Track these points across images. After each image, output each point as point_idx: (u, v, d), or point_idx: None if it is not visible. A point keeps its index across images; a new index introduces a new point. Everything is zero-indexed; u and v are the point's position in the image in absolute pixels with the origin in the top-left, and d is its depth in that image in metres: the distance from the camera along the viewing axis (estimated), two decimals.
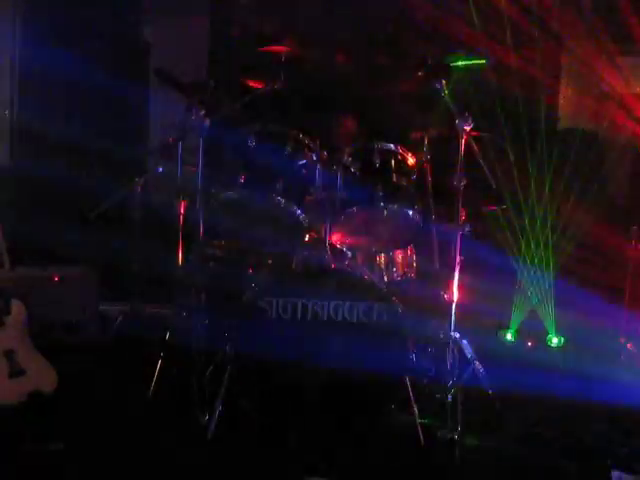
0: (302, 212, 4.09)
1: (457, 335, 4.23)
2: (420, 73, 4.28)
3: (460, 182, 4.15)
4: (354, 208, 4.08)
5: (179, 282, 4.43)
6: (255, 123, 4.19)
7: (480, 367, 4.35)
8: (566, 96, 6.14)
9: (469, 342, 4.43)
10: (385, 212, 4.14)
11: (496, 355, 5.01)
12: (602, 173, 5.90)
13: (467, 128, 4.12)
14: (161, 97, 5.99)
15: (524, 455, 3.77)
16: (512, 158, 5.21)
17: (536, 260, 5.72)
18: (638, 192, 6.02)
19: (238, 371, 3.76)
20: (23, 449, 3.49)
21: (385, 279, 4.54)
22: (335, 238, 4.19)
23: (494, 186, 4.22)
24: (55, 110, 6.12)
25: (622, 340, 5.27)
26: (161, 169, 4.46)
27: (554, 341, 5.57)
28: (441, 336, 4.29)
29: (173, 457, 3.53)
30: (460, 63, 4.36)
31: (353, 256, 4.37)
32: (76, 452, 3.51)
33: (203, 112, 4.29)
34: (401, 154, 4.23)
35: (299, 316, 3.79)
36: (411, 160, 4.26)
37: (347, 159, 4.15)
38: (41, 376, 3.96)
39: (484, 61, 4.45)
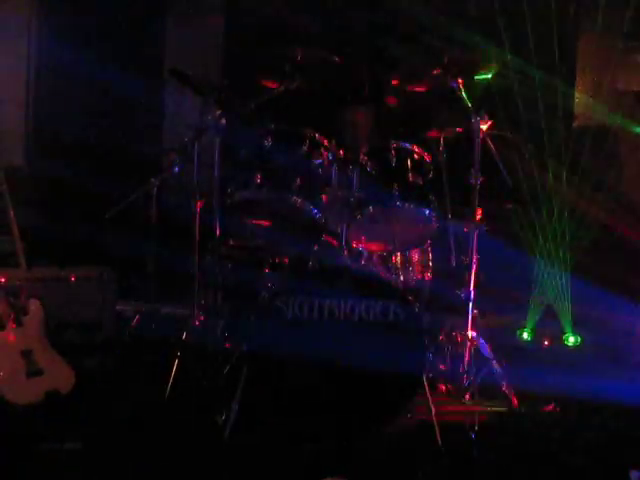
0: (318, 212, 4.09)
1: (474, 334, 4.23)
2: (436, 71, 4.28)
3: (476, 180, 4.16)
4: (370, 207, 4.08)
5: (196, 282, 4.44)
6: (271, 123, 4.19)
7: (497, 366, 4.34)
8: (582, 94, 6.11)
9: (486, 341, 4.43)
10: (401, 211, 4.14)
11: (513, 354, 5.01)
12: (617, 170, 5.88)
13: (483, 127, 4.13)
14: (176, 96, 6.01)
15: (541, 454, 3.75)
16: (528, 156, 5.18)
17: (553, 257, 5.70)
18: None
19: (255, 371, 3.76)
20: (40, 448, 3.49)
21: (401, 278, 4.54)
22: (351, 237, 4.18)
23: (510, 184, 4.20)
24: (70, 110, 6.14)
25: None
26: (177, 169, 4.47)
27: (571, 340, 5.56)
28: (458, 335, 4.29)
29: (190, 457, 3.54)
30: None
31: (369, 255, 4.37)
32: (93, 452, 3.52)
33: (219, 112, 4.30)
34: (417, 153, 4.23)
35: (315, 315, 3.78)
36: (427, 159, 4.26)
37: (363, 158, 4.15)
38: (58, 376, 3.97)
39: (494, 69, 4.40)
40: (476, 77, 4.36)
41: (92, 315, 4.81)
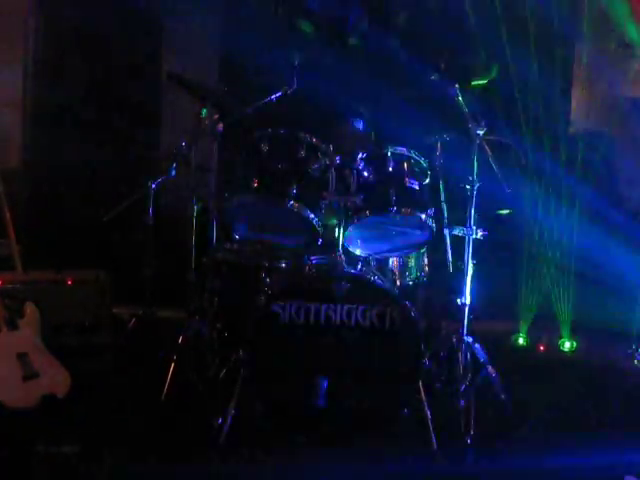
0: (315, 216, 4.09)
1: (470, 339, 4.23)
2: (433, 77, 4.28)
3: (473, 186, 4.16)
4: (367, 212, 4.08)
5: (192, 285, 4.44)
6: (268, 127, 4.19)
7: (493, 371, 4.35)
8: (578, 100, 6.12)
9: (482, 346, 4.43)
10: (398, 216, 4.15)
11: (508, 359, 5.03)
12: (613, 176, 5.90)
13: (480, 132, 4.13)
14: (173, 100, 6.01)
15: (537, 460, 3.76)
16: (524, 162, 5.19)
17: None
18: None
19: (251, 375, 3.76)
20: (37, 452, 3.49)
21: (398, 283, 4.54)
22: (348, 242, 4.19)
23: (508, 190, 4.21)
24: (67, 112, 6.13)
25: None
26: (174, 173, 4.47)
27: (566, 345, 5.56)
28: (454, 340, 4.29)
29: (186, 460, 3.54)
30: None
31: (366, 260, 4.37)
32: (89, 455, 3.51)
33: (216, 116, 4.30)
34: (414, 158, 4.24)
35: (312, 320, 3.79)
36: (424, 164, 4.27)
37: (360, 163, 4.15)
38: (55, 379, 3.97)
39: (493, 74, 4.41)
40: (473, 82, 4.36)
41: (88, 318, 4.81)
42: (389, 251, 4.46)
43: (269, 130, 4.17)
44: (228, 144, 4.33)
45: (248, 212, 4.22)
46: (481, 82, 4.43)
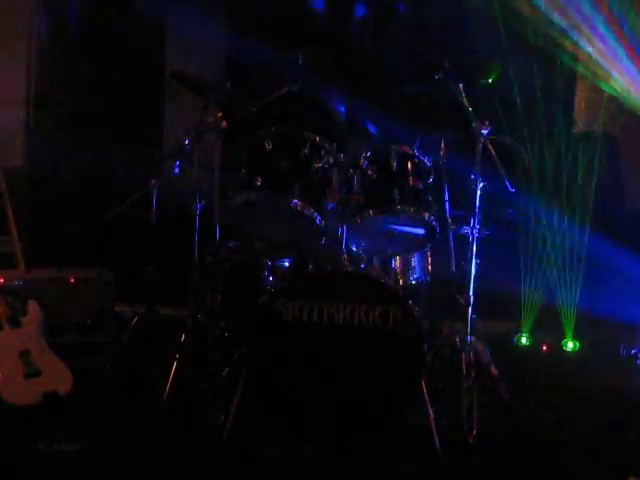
0: (318, 215, 4.08)
1: (473, 339, 4.22)
2: (438, 76, 4.27)
3: (477, 185, 4.15)
4: (370, 211, 4.07)
5: (195, 284, 4.43)
6: (272, 125, 4.18)
7: (495, 371, 4.34)
8: (582, 99, 6.11)
9: (485, 346, 4.43)
10: (401, 215, 4.14)
11: (511, 359, 5.03)
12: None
13: (484, 132, 4.12)
14: (177, 98, 6.00)
15: (540, 459, 3.75)
16: (528, 161, 5.18)
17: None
18: None
19: (254, 373, 3.76)
20: (38, 449, 3.48)
21: (401, 282, 4.53)
22: (351, 241, 4.18)
23: (512, 189, 4.20)
24: (70, 111, 6.13)
25: None
26: (177, 171, 4.46)
27: (570, 345, 5.55)
28: (457, 340, 4.28)
29: (188, 458, 3.53)
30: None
31: (369, 259, 4.36)
32: (91, 453, 3.51)
33: (219, 114, 4.30)
34: (418, 157, 4.23)
35: (315, 319, 3.78)
36: (428, 163, 4.26)
37: (364, 162, 4.14)
38: (57, 377, 3.97)
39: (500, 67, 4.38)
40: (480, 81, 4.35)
41: (91, 316, 4.82)
42: (392, 250, 4.45)
43: (273, 128, 4.17)
44: (231, 142, 4.32)
45: (251, 210, 4.21)
46: (486, 81, 4.41)
